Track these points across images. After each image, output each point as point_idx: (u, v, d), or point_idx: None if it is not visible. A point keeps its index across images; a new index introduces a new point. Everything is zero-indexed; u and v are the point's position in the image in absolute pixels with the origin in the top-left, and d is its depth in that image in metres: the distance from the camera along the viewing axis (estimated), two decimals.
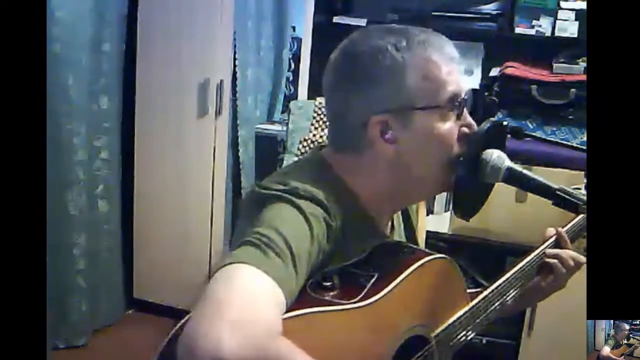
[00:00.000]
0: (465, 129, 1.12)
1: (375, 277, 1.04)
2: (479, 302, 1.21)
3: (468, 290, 1.22)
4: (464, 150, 1.11)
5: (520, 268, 1.29)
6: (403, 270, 1.06)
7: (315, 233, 0.98)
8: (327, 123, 1.17)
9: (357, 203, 1.11)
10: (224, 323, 0.80)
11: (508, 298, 1.27)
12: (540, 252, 1.33)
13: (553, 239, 1.34)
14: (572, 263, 1.32)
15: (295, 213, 0.99)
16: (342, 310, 0.96)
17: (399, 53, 1.06)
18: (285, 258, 0.91)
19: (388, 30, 1.09)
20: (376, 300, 1.00)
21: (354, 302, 0.98)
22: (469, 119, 1.13)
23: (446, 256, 1.15)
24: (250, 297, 0.84)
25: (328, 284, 1.00)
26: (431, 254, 1.12)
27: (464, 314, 1.17)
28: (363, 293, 1.00)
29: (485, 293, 1.22)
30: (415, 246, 1.24)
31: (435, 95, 1.07)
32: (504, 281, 1.26)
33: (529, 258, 1.31)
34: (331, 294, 0.99)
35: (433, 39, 1.09)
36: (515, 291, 1.28)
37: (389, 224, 1.23)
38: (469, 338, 1.20)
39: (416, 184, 1.13)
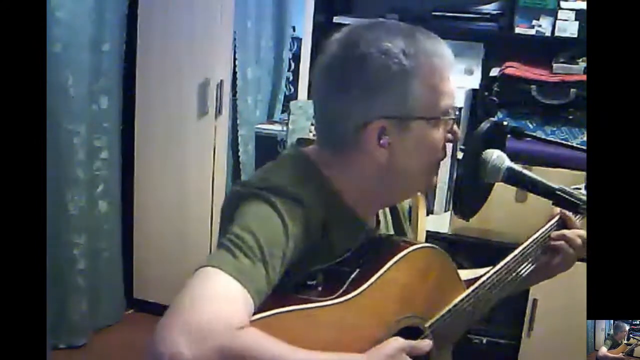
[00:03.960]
0: (450, 135, 1.12)
1: (357, 271, 1.04)
2: (477, 288, 1.19)
3: (466, 277, 1.21)
4: (443, 155, 1.12)
5: (521, 251, 1.26)
6: (386, 262, 1.06)
7: (290, 231, 0.99)
8: (316, 120, 1.15)
9: (341, 200, 1.11)
10: (181, 327, 0.84)
11: (508, 282, 1.24)
12: (542, 233, 1.29)
13: (556, 219, 1.30)
14: (579, 242, 1.27)
15: (270, 211, 0.99)
16: (321, 307, 0.97)
17: (408, 60, 1.04)
18: (253, 257, 0.93)
19: (395, 31, 1.07)
20: (358, 294, 1.00)
21: (334, 298, 0.98)
22: (454, 127, 1.13)
23: (433, 245, 1.14)
24: (211, 300, 0.87)
25: (312, 283, 1.01)
26: (415, 244, 1.12)
27: (460, 301, 1.16)
28: (343, 288, 1.01)
29: (483, 278, 1.20)
30: (398, 237, 1.23)
31: (434, 106, 1.08)
32: (503, 265, 1.23)
33: (530, 240, 1.28)
34: (314, 292, 1.00)
35: (436, 45, 1.08)
36: (516, 274, 1.25)
37: (374, 219, 1.22)
38: (468, 327, 1.18)
39: (402, 186, 1.14)
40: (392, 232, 1.28)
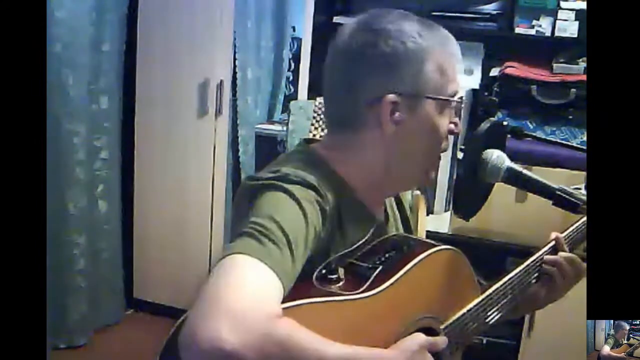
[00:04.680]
0: (452, 126, 1.14)
1: (380, 268, 1.05)
2: (490, 294, 1.20)
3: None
4: (446, 146, 1.14)
5: (528, 265, 1.27)
6: (408, 262, 1.06)
7: (309, 217, 0.99)
8: (327, 99, 1.16)
9: (347, 189, 1.12)
10: (222, 313, 0.81)
11: (517, 294, 1.25)
12: (538, 257, 1.29)
13: (551, 244, 1.31)
14: (570, 271, 1.28)
15: (287, 199, 1.00)
16: (346, 300, 0.97)
17: (423, 41, 1.09)
18: (281, 244, 0.93)
19: (410, 16, 1.12)
20: (380, 291, 1.01)
21: (358, 293, 0.99)
22: (456, 118, 1.15)
23: (454, 248, 1.15)
24: (246, 286, 0.86)
25: (333, 276, 1.01)
26: (437, 245, 1.13)
27: (474, 306, 1.17)
28: (367, 284, 1.01)
29: (495, 286, 1.21)
30: (421, 238, 1.24)
31: (444, 88, 1.11)
32: (513, 276, 1.24)
33: (527, 262, 1.28)
34: (336, 285, 1.00)
35: (448, 37, 1.14)
36: (525, 288, 1.26)
37: (383, 212, 1.23)
38: (478, 333, 1.19)
39: (403, 170, 1.15)
40: (400, 227, 1.30)
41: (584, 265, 1.29)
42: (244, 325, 0.81)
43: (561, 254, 1.30)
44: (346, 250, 1.07)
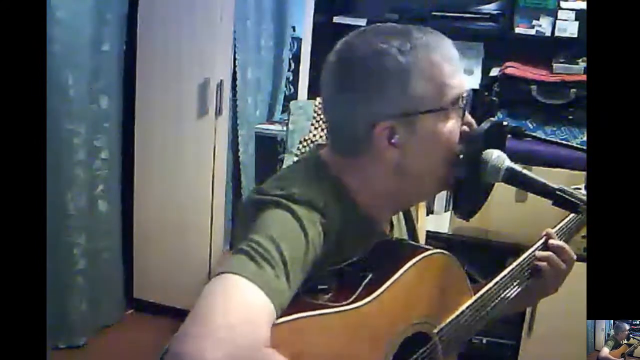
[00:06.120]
0: (465, 128, 1.12)
1: (370, 276, 1.03)
2: (482, 295, 1.19)
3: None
4: (463, 149, 1.11)
5: (519, 264, 1.27)
6: (399, 268, 1.05)
7: (310, 240, 0.98)
8: (327, 127, 1.15)
9: (356, 204, 1.10)
10: (208, 334, 0.81)
11: (510, 292, 1.24)
12: (531, 252, 1.30)
13: (542, 241, 1.31)
14: (560, 263, 1.28)
15: (290, 220, 0.99)
16: (335, 312, 0.96)
17: (403, 57, 1.04)
18: (277, 268, 0.91)
19: (389, 32, 1.08)
20: (372, 299, 0.99)
21: (347, 304, 0.97)
22: (469, 117, 1.13)
23: (444, 251, 1.14)
24: (236, 309, 0.85)
25: (323, 287, 1.00)
26: (428, 249, 1.12)
27: (467, 308, 1.16)
28: (357, 294, 1.00)
29: (487, 287, 1.21)
30: (412, 242, 1.24)
31: (439, 98, 1.07)
32: (505, 275, 1.24)
33: (526, 253, 1.29)
34: (326, 297, 0.99)
35: (434, 40, 1.08)
36: (518, 286, 1.26)
37: (388, 223, 1.22)
38: (472, 334, 1.19)
39: (418, 185, 1.13)
40: (404, 231, 1.28)
41: (573, 254, 1.29)
42: (229, 347, 0.80)
43: (551, 241, 1.29)
44: (342, 265, 1.06)
